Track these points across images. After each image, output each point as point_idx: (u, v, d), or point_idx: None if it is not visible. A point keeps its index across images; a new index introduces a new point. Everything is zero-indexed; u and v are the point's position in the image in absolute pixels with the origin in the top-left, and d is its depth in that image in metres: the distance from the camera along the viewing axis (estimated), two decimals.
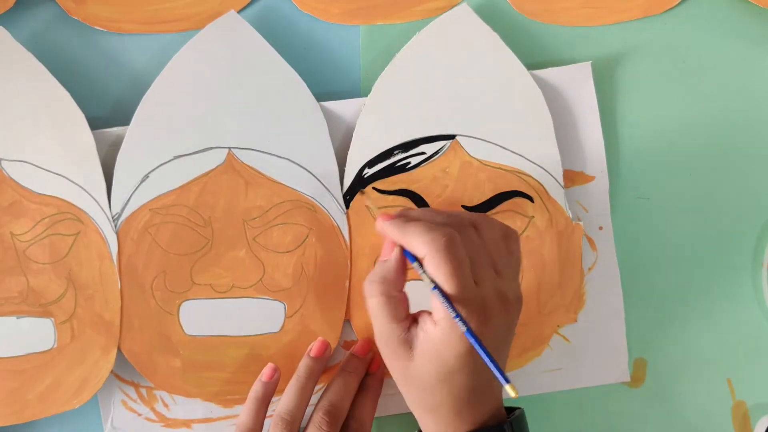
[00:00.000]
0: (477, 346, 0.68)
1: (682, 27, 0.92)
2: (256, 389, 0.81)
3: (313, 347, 0.83)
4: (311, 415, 0.79)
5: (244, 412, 0.80)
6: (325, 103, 0.86)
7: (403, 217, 0.74)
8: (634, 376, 0.90)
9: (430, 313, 0.72)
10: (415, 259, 0.72)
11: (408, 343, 0.72)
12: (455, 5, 0.88)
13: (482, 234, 0.74)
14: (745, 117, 0.92)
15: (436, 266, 0.69)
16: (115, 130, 0.84)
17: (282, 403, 0.80)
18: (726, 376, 0.91)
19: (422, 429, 0.77)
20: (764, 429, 0.89)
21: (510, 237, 0.76)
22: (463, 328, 0.68)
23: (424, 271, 0.71)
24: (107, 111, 0.87)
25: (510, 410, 0.78)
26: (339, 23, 0.89)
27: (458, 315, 0.68)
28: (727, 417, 0.91)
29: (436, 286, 0.69)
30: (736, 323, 0.91)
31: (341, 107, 0.86)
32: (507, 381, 0.67)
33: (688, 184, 0.91)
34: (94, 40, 0.87)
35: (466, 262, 0.70)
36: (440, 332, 0.70)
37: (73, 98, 0.83)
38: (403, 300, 0.74)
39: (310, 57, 0.89)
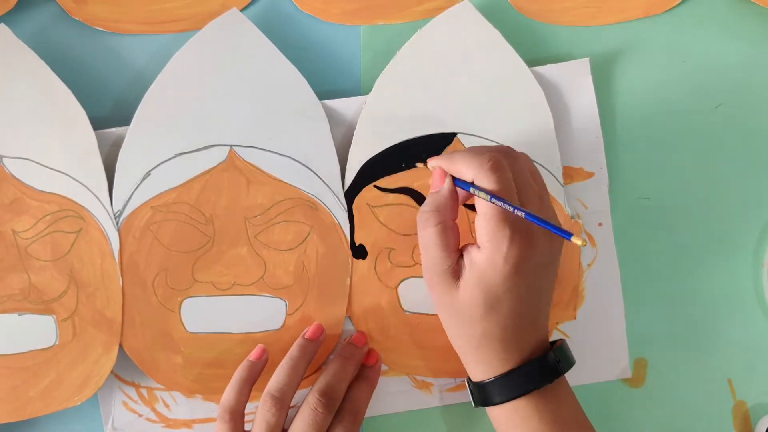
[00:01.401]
0: (526, 215, 0.69)
1: (683, 27, 0.92)
2: (242, 368, 0.81)
3: (309, 329, 0.83)
4: (306, 396, 0.79)
5: (227, 390, 0.80)
6: (327, 102, 0.86)
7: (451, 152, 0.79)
8: (635, 376, 0.90)
9: (474, 244, 0.73)
10: (466, 185, 0.74)
11: (455, 274, 0.74)
12: (455, 5, 0.88)
13: (526, 165, 0.77)
14: (745, 116, 0.92)
15: (484, 186, 0.72)
16: (116, 130, 0.84)
17: (272, 381, 0.79)
18: (727, 376, 0.91)
19: (468, 370, 0.78)
20: (765, 429, 0.89)
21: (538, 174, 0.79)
22: (509, 208, 0.70)
23: (477, 190, 0.72)
24: (108, 111, 0.87)
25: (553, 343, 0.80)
26: (339, 23, 0.89)
27: (505, 201, 0.70)
28: (727, 417, 0.91)
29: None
30: (737, 323, 0.91)
31: (343, 105, 0.86)
32: (569, 234, 0.68)
33: (689, 184, 0.91)
34: (94, 41, 0.88)
35: (512, 184, 0.72)
36: (485, 256, 0.71)
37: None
38: (456, 230, 0.76)
39: (310, 57, 0.89)
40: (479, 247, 0.72)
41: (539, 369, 0.75)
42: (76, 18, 0.87)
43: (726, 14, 0.92)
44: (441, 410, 0.88)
